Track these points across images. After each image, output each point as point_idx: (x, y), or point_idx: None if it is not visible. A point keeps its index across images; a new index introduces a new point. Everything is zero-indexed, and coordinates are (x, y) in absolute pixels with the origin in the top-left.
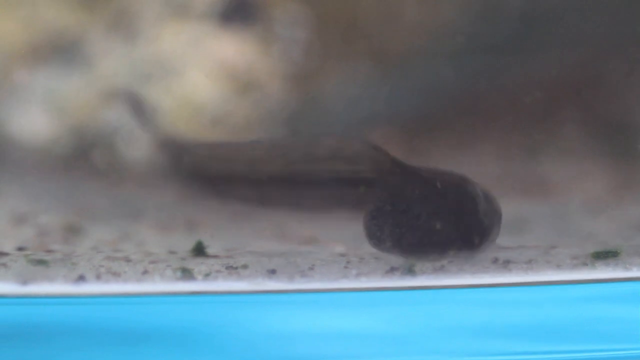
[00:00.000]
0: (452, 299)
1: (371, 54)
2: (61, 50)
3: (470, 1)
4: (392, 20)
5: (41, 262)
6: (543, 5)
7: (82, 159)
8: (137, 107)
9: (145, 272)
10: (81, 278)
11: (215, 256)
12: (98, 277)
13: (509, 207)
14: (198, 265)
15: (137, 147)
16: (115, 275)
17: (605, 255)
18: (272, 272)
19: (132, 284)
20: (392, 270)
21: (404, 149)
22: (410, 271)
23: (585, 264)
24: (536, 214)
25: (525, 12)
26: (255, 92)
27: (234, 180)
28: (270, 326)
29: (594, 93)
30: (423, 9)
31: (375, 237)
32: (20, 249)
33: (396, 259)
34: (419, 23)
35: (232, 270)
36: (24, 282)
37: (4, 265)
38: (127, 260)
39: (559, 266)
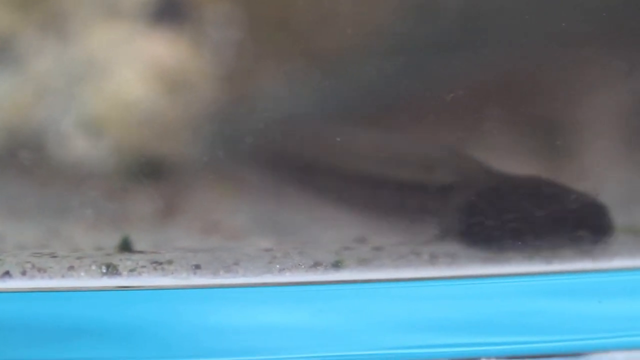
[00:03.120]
0: (376, 292)
1: (303, 53)
2: None
3: (402, 1)
4: (324, 20)
5: None
6: (474, 5)
7: (10, 158)
8: None
9: (70, 267)
10: (7, 274)
11: (141, 252)
12: (23, 273)
13: None
14: (123, 261)
15: (65, 146)
16: (41, 271)
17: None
18: (196, 267)
19: (57, 279)
20: (315, 265)
21: (333, 145)
22: (334, 266)
23: (547, 259)
24: None
25: (456, 11)
26: (186, 92)
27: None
28: (194, 321)
29: (517, 91)
30: (355, 9)
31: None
32: None
33: (321, 254)
34: (351, 23)
35: (157, 265)
36: None
37: None
38: (53, 256)
39: (483, 260)
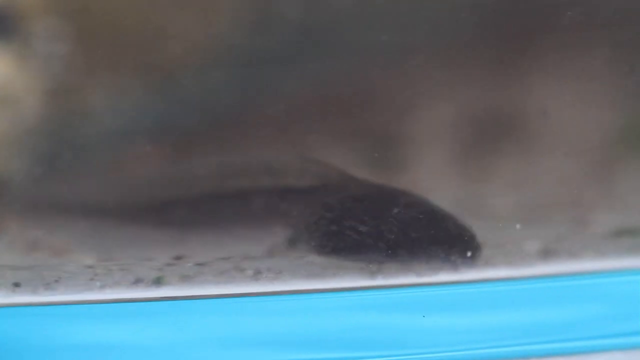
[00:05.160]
0: (198, 309)
1: (138, 67)
2: None
3: (242, 14)
4: (160, 32)
5: None
6: (317, 19)
7: None
8: None
9: None
10: None
11: None
12: None
13: None
14: None
15: None
16: None
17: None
18: (16, 285)
19: None
20: (137, 281)
21: (171, 161)
22: (155, 282)
23: (372, 273)
24: None
25: (298, 25)
26: (11, 107)
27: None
28: (13, 340)
29: (362, 104)
30: (193, 21)
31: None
32: None
33: (142, 271)
34: (189, 35)
35: None
36: None
37: None
38: None
39: (307, 276)
